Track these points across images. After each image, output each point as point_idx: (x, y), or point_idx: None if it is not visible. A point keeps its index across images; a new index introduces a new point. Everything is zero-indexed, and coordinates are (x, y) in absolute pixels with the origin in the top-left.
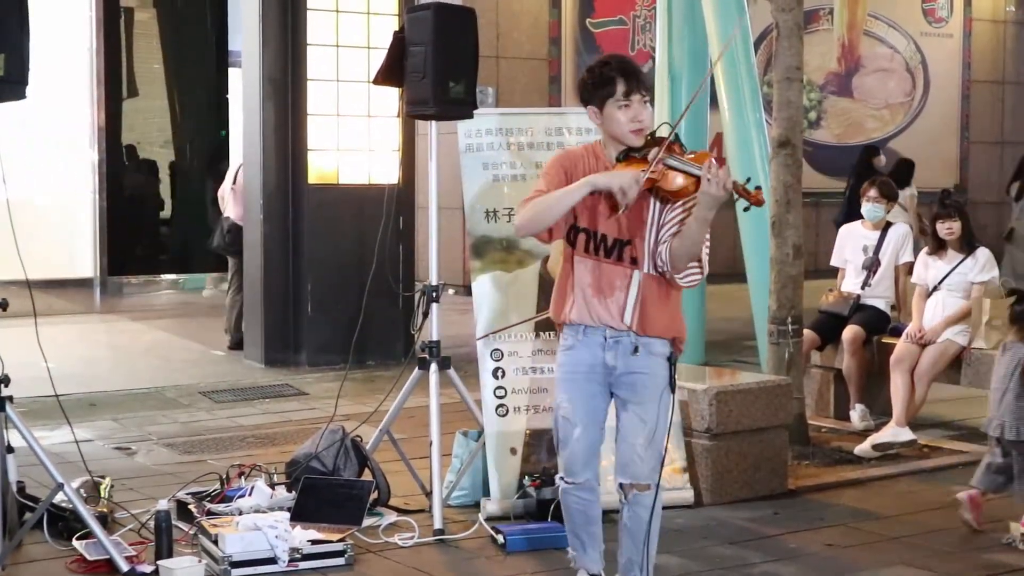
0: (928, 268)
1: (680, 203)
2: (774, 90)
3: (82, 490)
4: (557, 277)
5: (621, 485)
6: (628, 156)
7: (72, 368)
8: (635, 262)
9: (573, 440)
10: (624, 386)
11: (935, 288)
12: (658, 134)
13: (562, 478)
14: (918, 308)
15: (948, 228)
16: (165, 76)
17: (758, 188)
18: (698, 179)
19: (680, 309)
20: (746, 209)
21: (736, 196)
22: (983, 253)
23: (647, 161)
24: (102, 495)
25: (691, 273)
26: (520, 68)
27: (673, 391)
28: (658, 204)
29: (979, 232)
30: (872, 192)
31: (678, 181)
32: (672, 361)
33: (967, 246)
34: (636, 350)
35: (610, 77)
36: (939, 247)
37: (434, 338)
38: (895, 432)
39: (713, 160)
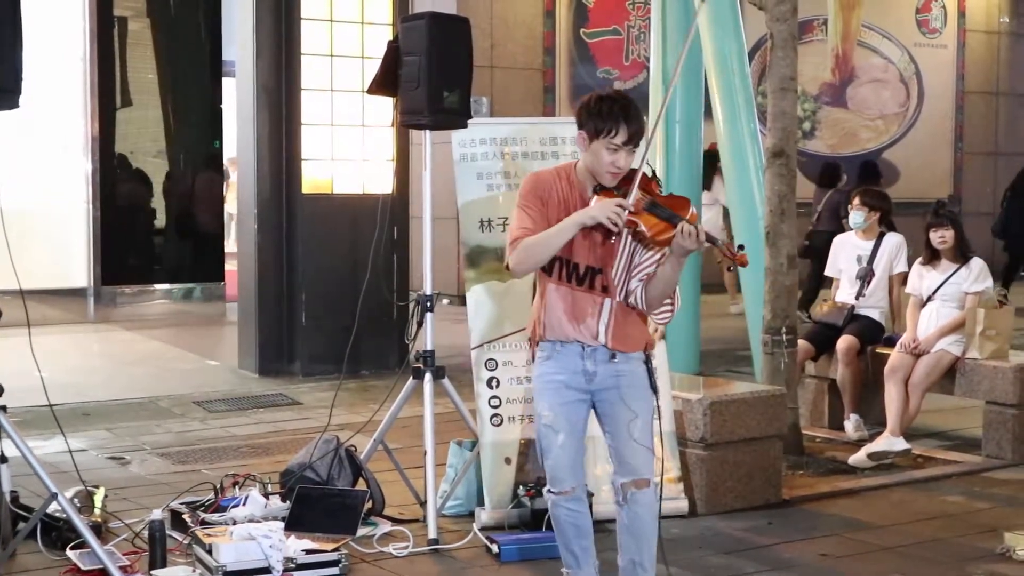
0: (922, 278)
1: (654, 250)
2: (768, 100)
3: (76, 500)
4: (535, 298)
5: (621, 485)
6: (603, 190)
7: (66, 378)
8: (606, 290)
9: (557, 447)
10: (608, 388)
11: (929, 298)
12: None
13: (549, 491)
14: (912, 318)
15: (941, 237)
16: (159, 86)
17: (741, 247)
18: (672, 224)
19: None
20: (729, 269)
21: (719, 256)
22: (977, 263)
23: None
24: (96, 505)
25: (664, 311)
26: (514, 78)
27: (655, 393)
28: (629, 239)
29: (973, 243)
30: (856, 200)
31: (656, 228)
32: (649, 364)
33: (961, 256)
34: (613, 356)
35: (615, 118)
36: (932, 257)
37: (428, 348)
38: (889, 442)
39: (693, 210)
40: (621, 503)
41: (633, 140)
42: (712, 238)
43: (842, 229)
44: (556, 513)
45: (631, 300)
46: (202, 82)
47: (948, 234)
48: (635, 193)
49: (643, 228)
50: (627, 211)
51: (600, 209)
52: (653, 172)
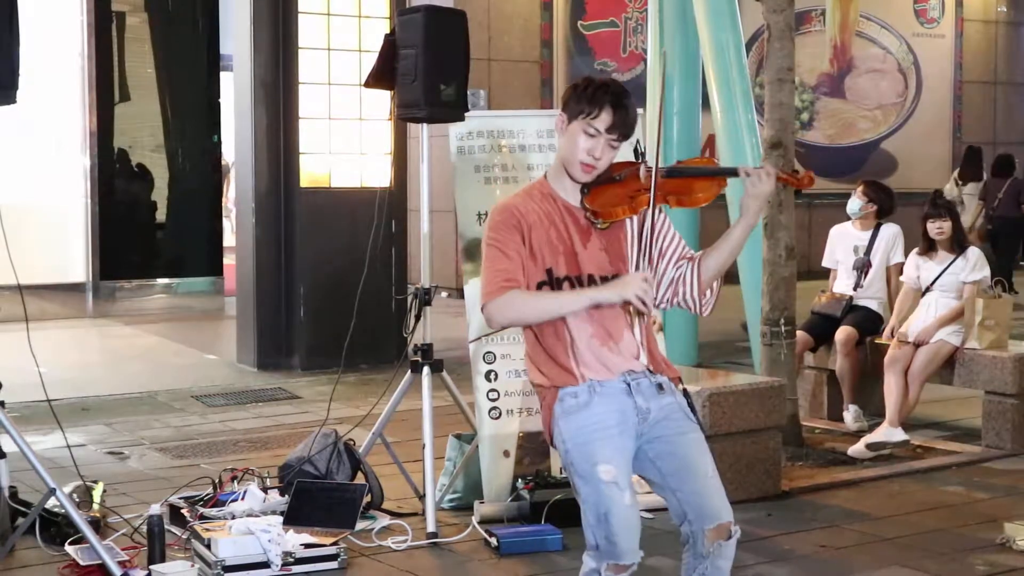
0: (919, 269)
1: (672, 233)
2: (765, 91)
3: (74, 495)
4: (525, 335)
5: (705, 534)
6: (595, 187)
7: (64, 373)
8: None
9: (626, 508)
10: (665, 421)
11: (927, 289)
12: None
13: (606, 570)
14: (901, 306)
15: (938, 228)
16: (157, 80)
17: (806, 172)
18: (719, 181)
19: None
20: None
21: (783, 185)
22: (974, 253)
23: (635, 179)
24: (94, 500)
25: (711, 299)
26: (512, 71)
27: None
28: (636, 232)
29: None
30: (859, 189)
31: (699, 189)
32: (687, 393)
33: (957, 246)
34: (661, 387)
35: (600, 101)
36: (929, 247)
37: (426, 341)
38: (888, 432)
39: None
40: (700, 555)
41: (617, 130)
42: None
43: (1021, 216)
44: None
45: (681, 292)
46: (200, 76)
47: (946, 225)
48: (643, 175)
49: (685, 199)
50: (653, 286)
51: (626, 287)
52: (642, 151)
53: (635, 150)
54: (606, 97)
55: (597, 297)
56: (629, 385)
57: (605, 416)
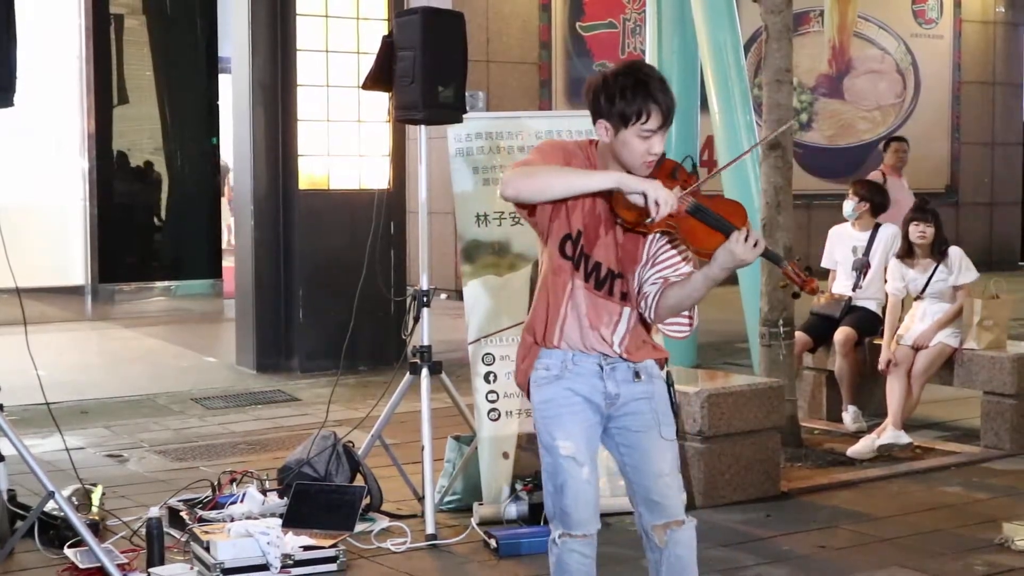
0: (904, 279)
1: (678, 249)
2: (764, 92)
3: (73, 498)
4: (538, 288)
5: (653, 529)
6: None
7: (63, 376)
8: (625, 298)
9: (582, 482)
10: (631, 414)
11: (918, 297)
12: (674, 162)
13: (565, 534)
14: (891, 320)
15: (921, 231)
16: (155, 83)
17: (808, 269)
18: (724, 235)
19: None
20: (795, 296)
21: (782, 280)
22: (955, 254)
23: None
24: (93, 503)
25: (681, 325)
26: (510, 72)
27: (676, 415)
28: (655, 241)
29: (970, 233)
30: (850, 190)
31: (701, 237)
32: (670, 383)
33: (938, 252)
34: (637, 375)
35: (643, 98)
36: (908, 252)
37: (425, 343)
38: (895, 435)
39: (748, 221)
40: (656, 549)
41: (667, 121)
42: (773, 254)
43: None
44: (566, 559)
45: (641, 305)
46: (198, 79)
47: (929, 230)
48: (676, 192)
49: (687, 238)
50: (673, 207)
51: (656, 187)
52: (693, 165)
53: (693, 165)
54: (647, 95)
55: (624, 180)
56: (603, 368)
57: (572, 393)
